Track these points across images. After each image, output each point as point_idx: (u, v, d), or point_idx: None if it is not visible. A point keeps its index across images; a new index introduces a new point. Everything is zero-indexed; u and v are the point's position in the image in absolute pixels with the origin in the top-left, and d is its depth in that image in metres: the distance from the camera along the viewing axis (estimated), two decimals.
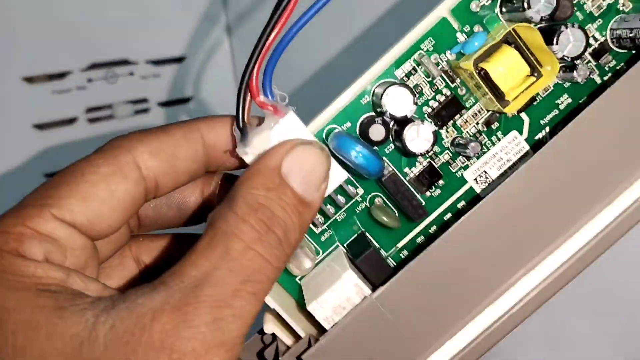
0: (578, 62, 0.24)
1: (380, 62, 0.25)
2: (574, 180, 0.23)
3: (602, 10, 0.25)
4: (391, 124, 0.25)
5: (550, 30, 0.23)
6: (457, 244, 0.23)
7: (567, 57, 0.23)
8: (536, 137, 0.26)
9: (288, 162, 0.21)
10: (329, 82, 0.49)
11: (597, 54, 0.25)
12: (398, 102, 0.23)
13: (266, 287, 0.20)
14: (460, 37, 0.25)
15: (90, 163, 0.22)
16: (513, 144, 0.26)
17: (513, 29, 0.23)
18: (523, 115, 0.25)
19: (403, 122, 0.24)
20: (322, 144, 0.22)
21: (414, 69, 0.25)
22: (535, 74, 0.24)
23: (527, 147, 0.26)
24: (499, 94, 0.24)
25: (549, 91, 0.25)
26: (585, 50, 0.23)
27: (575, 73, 0.24)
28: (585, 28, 0.25)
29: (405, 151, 0.24)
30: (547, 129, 0.26)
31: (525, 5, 0.23)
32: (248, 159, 0.23)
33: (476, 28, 0.25)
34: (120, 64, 0.48)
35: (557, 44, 0.23)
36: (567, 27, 0.23)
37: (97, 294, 0.20)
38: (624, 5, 0.25)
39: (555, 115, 0.26)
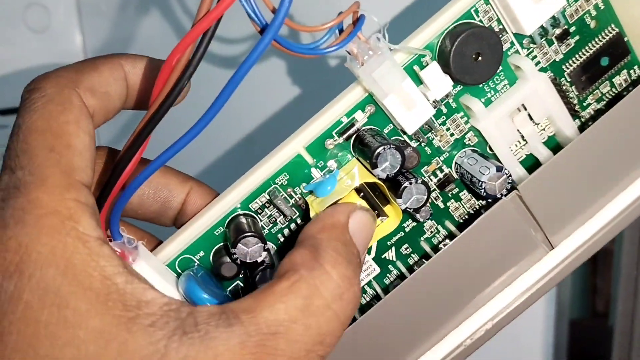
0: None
1: (234, 193, 0.25)
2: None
3: (449, 144, 0.26)
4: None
5: (396, 182, 0.24)
6: None
7: (410, 209, 0.24)
8: (383, 256, 0.27)
9: (353, 223, 0.23)
10: None
11: (442, 184, 0.27)
12: (250, 251, 0.24)
13: (332, 349, 0.20)
14: (315, 173, 0.25)
15: (56, 118, 0.20)
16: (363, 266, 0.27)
17: (364, 183, 0.24)
18: None
19: (254, 266, 0.24)
20: (373, 212, 0.24)
21: (268, 201, 0.25)
22: (381, 219, 0.25)
23: (375, 265, 0.27)
24: None
25: None
26: (426, 202, 0.24)
27: (418, 215, 0.25)
28: (432, 161, 0.26)
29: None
30: (394, 248, 0.27)
31: (372, 162, 0.23)
32: None
33: (330, 163, 0.25)
34: None
35: (401, 197, 0.24)
36: (410, 184, 0.24)
37: (157, 300, 0.19)
38: (469, 140, 0.26)
39: (401, 237, 0.27)
